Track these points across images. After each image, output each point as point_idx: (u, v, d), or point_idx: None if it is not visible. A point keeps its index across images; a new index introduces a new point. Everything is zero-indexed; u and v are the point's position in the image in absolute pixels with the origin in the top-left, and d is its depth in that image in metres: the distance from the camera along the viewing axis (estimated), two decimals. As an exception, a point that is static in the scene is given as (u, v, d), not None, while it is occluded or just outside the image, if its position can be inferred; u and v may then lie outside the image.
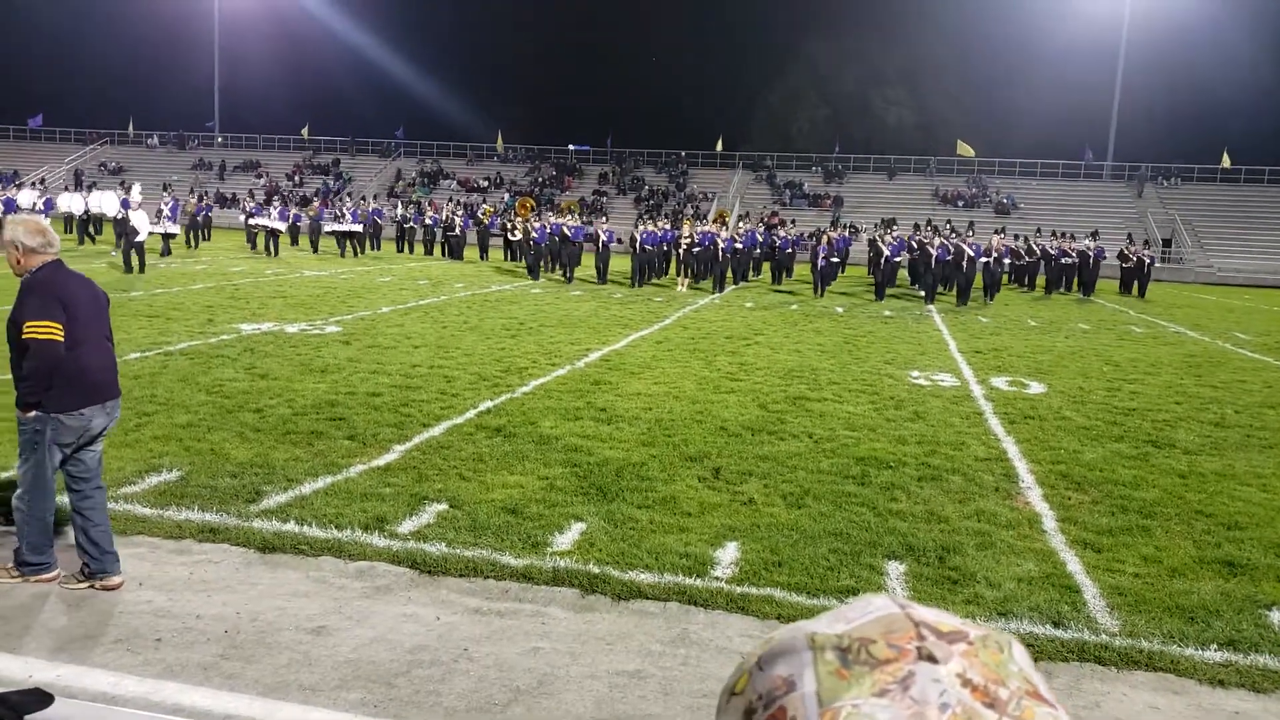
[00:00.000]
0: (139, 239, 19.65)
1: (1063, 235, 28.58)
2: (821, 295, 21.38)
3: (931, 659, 0.51)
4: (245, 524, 5.40)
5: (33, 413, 4.33)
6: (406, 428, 7.69)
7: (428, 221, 33.18)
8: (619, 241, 22.93)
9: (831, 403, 9.55)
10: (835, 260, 25.11)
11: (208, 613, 4.33)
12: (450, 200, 40.87)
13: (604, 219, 26.52)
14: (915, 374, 11.62)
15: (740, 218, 34.72)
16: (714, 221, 31.46)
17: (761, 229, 29.14)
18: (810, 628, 0.54)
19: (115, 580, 4.53)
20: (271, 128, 57.44)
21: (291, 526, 5.37)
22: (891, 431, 8.38)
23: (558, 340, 13.10)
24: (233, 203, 32.80)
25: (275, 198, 31.54)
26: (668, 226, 25.80)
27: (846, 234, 32.94)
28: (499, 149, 55.39)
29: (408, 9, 67.32)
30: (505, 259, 29.52)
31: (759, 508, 6.06)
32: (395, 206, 35.25)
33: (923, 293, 23.04)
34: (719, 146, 52.53)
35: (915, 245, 25.19)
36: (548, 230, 23.93)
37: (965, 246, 21.80)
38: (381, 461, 6.72)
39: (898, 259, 23.58)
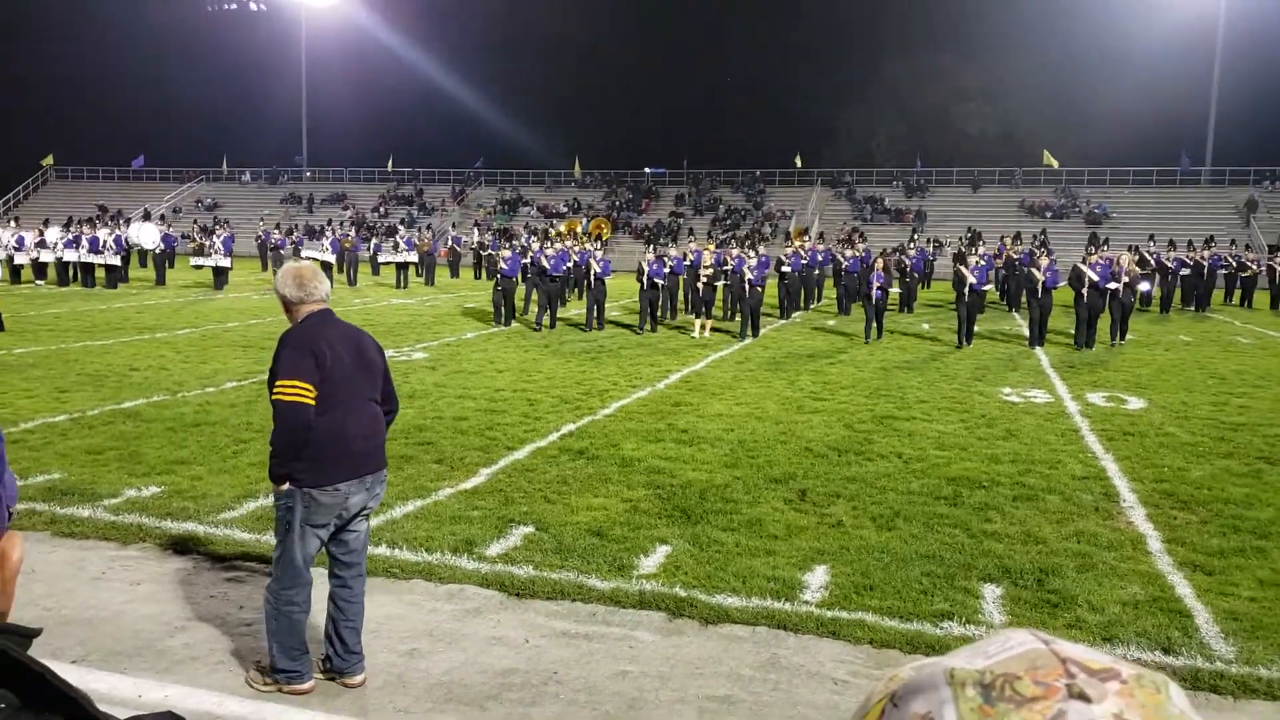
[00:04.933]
0: None
1: (1171, 244, 25.91)
2: (878, 336, 16.21)
3: (1084, 697, 0.47)
4: (339, 547, 5.54)
5: (285, 485, 3.78)
6: (492, 451, 7.81)
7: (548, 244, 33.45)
8: (644, 273, 17.18)
9: (920, 421, 9.38)
10: (902, 289, 21.19)
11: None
12: (525, 226, 41.51)
13: (599, 246, 20.44)
14: (1007, 391, 11.33)
15: (787, 236, 32.70)
16: (797, 238, 29.87)
17: (823, 247, 26.03)
18: (948, 663, 0.51)
19: (357, 679, 4.02)
20: (357, 161, 59.37)
21: (383, 550, 5.49)
22: (983, 450, 8.18)
23: (638, 363, 13.15)
24: (320, 234, 34.07)
25: (327, 229, 32.04)
26: (698, 249, 20.76)
27: (929, 249, 32.15)
28: (576, 174, 56.14)
29: (486, 43, 68.97)
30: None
31: (848, 530, 5.97)
32: (474, 234, 35.95)
33: (1023, 324, 18.26)
34: (798, 163, 52.31)
35: (1007, 261, 23.82)
36: (525, 260, 18.82)
37: (1087, 270, 15.70)
38: (469, 485, 6.84)
39: (986, 287, 17.57)
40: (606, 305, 18.45)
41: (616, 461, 7.54)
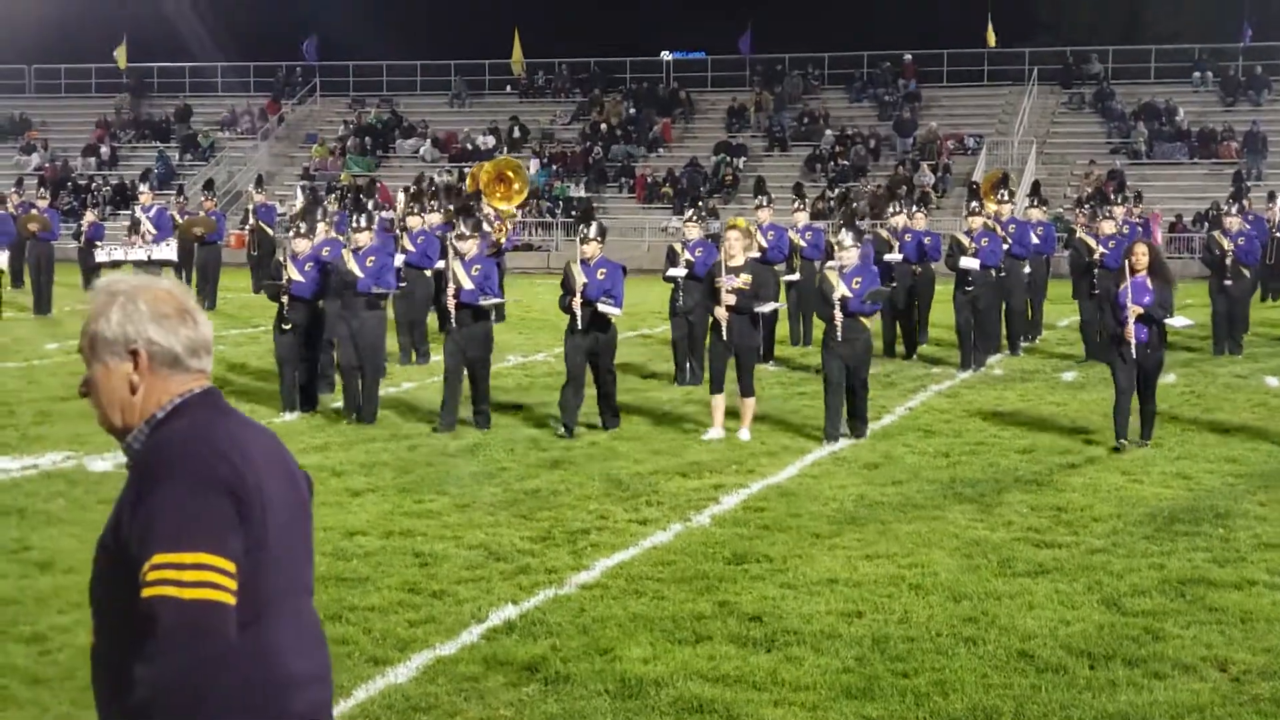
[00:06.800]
0: None
1: None
2: (1145, 433, 14.98)
3: None
4: None
5: None
6: (341, 669, 7.76)
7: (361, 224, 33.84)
8: (575, 290, 15.91)
9: (1265, 589, 9.37)
10: (1219, 303, 21.23)
11: None
12: (425, 182, 41.79)
13: (487, 223, 19.24)
14: None
15: (972, 192, 31.37)
16: (988, 196, 29.10)
17: (1044, 217, 25.75)
18: None
19: None
20: (51, 55, 60.05)
21: None
22: None
23: (652, 464, 13.26)
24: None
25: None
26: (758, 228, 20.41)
27: (1276, 214, 32.14)
28: (516, 71, 56.69)
29: None
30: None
31: (1116, 831, 5.93)
32: (297, 197, 36.23)
33: None
34: (990, 40, 52.70)
35: None
36: (327, 262, 18.03)
37: None
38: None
39: None
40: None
41: (609, 687, 7.51)
